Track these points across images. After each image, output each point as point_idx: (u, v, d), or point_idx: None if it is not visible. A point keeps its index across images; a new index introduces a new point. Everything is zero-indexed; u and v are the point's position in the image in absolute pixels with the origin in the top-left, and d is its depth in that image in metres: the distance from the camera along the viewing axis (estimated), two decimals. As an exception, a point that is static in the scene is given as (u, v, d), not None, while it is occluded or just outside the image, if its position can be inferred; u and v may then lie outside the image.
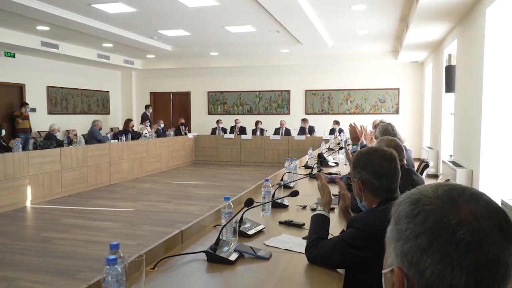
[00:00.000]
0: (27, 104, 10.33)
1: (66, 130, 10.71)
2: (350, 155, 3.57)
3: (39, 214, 6.59)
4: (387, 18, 8.02)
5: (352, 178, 1.99)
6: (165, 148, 10.97)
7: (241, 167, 11.43)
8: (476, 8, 5.82)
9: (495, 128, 5.23)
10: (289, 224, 2.49)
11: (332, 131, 11.47)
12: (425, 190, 0.69)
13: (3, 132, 7.50)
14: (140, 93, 14.95)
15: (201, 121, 14.34)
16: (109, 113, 14.11)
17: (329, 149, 6.98)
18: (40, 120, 11.04)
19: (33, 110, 10.83)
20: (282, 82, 13.63)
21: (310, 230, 1.97)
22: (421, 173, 4.51)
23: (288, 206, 2.94)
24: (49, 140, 8.05)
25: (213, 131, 12.56)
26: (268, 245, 2.11)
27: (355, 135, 3.91)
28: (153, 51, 11.78)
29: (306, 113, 13.34)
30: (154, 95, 14.94)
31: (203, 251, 1.90)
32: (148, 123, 11.83)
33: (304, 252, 1.90)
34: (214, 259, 1.86)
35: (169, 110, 14.85)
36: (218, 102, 14.31)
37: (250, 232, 2.27)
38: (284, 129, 11.98)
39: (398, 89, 12.72)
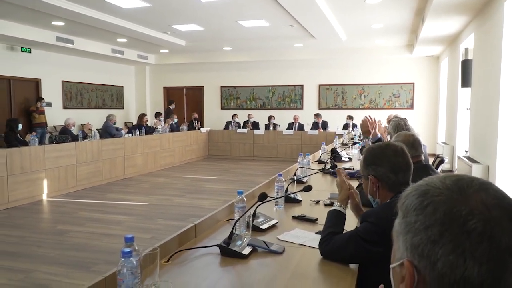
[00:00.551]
0: (43, 98, 10.48)
1: (81, 125, 10.84)
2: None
3: (55, 207, 6.69)
4: (403, 11, 7.91)
5: (365, 176, 1.95)
6: (179, 142, 11.03)
7: (254, 162, 11.44)
8: (494, 1, 5.71)
9: (512, 123, 5.14)
10: (302, 219, 2.49)
11: (345, 126, 11.41)
12: (432, 182, 0.68)
13: (20, 126, 7.61)
14: (154, 88, 15.03)
15: (214, 116, 14.38)
16: (123, 108, 14.23)
17: (343, 144, 6.95)
18: (56, 114, 11.19)
19: (49, 104, 10.98)
20: (295, 76, 13.57)
21: (325, 225, 1.96)
22: (436, 168, 4.46)
23: (301, 201, 2.93)
24: (65, 134, 8.15)
25: (227, 125, 12.58)
26: (281, 240, 2.11)
27: (366, 128, 3.85)
28: (167, 46, 11.82)
29: (319, 108, 13.27)
30: (167, 90, 15.01)
31: (217, 245, 1.90)
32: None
33: (317, 247, 1.90)
34: (228, 253, 1.87)
35: (182, 105, 14.91)
36: (231, 97, 14.32)
37: (263, 227, 2.27)
38: (297, 124, 11.94)
39: (413, 83, 12.57)
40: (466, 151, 7.45)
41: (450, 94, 9.91)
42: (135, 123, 12.08)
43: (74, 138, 8.15)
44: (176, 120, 11.97)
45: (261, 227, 2.26)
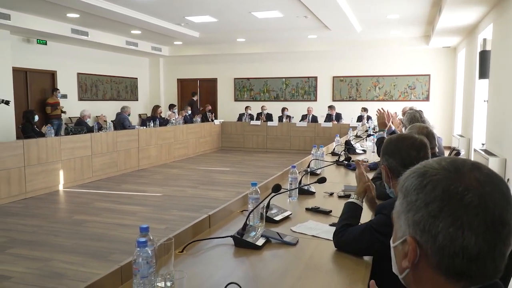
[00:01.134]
0: (58, 89, 10.57)
1: (96, 116, 10.95)
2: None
3: (71, 197, 6.80)
4: (419, 2, 7.77)
5: (380, 164, 1.98)
6: (192, 134, 11.08)
7: (267, 154, 11.44)
8: (513, -10, 5.58)
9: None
10: (316, 210, 2.48)
11: (360, 118, 11.31)
12: (429, 164, 0.75)
13: (36, 118, 7.72)
14: (168, 79, 15.09)
15: (228, 107, 14.39)
16: (137, 100, 14.32)
17: (357, 136, 6.90)
18: (71, 106, 11.31)
19: (64, 96, 11.10)
20: (309, 68, 13.49)
21: (340, 217, 1.95)
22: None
23: (315, 192, 2.93)
24: (80, 126, 8.25)
25: (240, 117, 12.58)
26: (294, 231, 2.11)
27: (382, 120, 3.82)
28: (181, 38, 11.84)
29: (333, 100, 13.18)
30: (181, 82, 15.06)
31: (231, 236, 1.91)
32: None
33: (331, 238, 1.89)
34: (241, 243, 1.88)
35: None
36: (245, 88, 14.30)
37: (277, 218, 2.28)
38: (311, 116, 11.88)
39: (429, 75, 12.39)
40: (483, 144, 7.34)
41: (467, 85, 9.75)
42: (149, 115, 12.15)
43: (90, 130, 8.24)
44: (190, 112, 12.02)
45: (274, 218, 2.26)
